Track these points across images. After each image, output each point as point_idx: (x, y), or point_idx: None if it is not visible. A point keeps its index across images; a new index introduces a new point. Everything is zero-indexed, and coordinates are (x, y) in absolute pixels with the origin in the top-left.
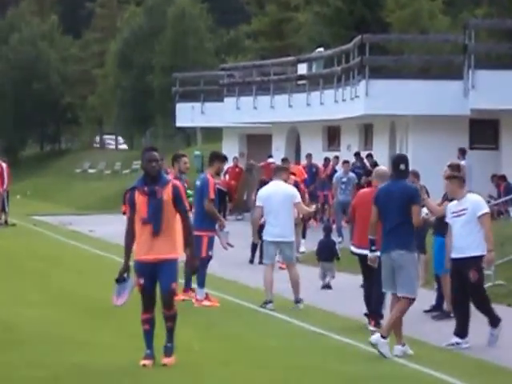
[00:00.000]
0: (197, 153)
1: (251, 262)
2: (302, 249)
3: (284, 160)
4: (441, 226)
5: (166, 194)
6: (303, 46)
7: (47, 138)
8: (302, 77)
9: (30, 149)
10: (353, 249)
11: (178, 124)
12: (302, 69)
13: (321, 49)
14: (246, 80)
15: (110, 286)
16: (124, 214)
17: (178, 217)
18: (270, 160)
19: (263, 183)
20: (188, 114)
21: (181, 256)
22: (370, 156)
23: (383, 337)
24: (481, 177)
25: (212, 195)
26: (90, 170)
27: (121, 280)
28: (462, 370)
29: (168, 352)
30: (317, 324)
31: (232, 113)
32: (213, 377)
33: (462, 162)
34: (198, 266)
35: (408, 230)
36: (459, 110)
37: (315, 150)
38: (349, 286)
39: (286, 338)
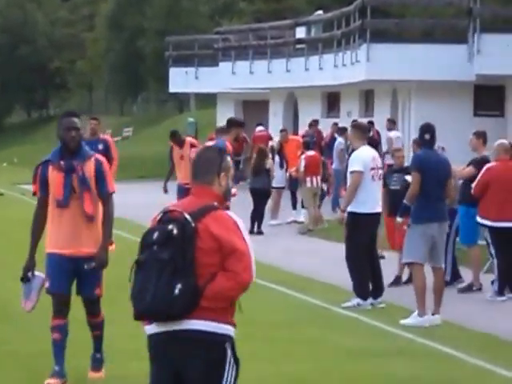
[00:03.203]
0: (190, 119)
1: (251, 232)
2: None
3: (282, 131)
4: (466, 193)
5: (88, 171)
6: (301, 8)
7: (35, 104)
8: (300, 41)
9: (17, 115)
10: (490, 223)
11: (171, 89)
12: (301, 32)
13: (320, 11)
14: (242, 44)
15: None
16: (34, 194)
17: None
18: (259, 128)
19: (260, 152)
20: (181, 79)
21: None
22: (392, 122)
23: None
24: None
25: None
26: None
27: (27, 279)
28: (469, 345)
29: (96, 364)
30: (317, 297)
31: (227, 78)
32: None
33: (391, 134)
34: (107, 263)
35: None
36: (464, 76)
37: (314, 117)
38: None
39: (286, 311)
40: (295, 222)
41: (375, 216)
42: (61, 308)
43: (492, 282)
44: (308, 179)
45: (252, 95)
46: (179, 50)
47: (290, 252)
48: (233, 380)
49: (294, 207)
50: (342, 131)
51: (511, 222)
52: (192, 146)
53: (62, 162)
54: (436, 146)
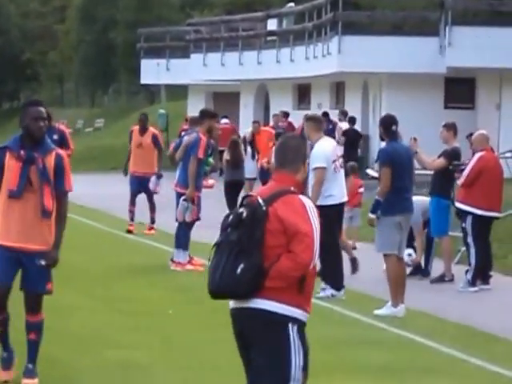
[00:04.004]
0: (161, 111)
1: None
2: None
3: (255, 122)
4: (437, 184)
5: (49, 164)
6: (273, 0)
7: (6, 95)
8: (271, 33)
9: None
10: (480, 212)
11: (143, 81)
12: (272, 24)
13: (291, 4)
14: (214, 36)
15: (76, 246)
16: None
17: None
18: (224, 121)
19: (234, 143)
20: (153, 71)
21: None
22: (343, 113)
23: None
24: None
25: (200, 154)
26: None
27: None
28: (441, 334)
29: (29, 375)
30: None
31: (199, 70)
32: (187, 340)
33: (341, 124)
34: (56, 261)
35: None
36: (435, 68)
37: (285, 109)
38: None
39: None
40: None
41: (342, 206)
42: (1, 300)
43: (466, 272)
44: None
45: (223, 87)
46: (151, 42)
47: None
48: (301, 364)
49: None
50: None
51: (498, 211)
52: (154, 137)
53: (22, 152)
54: (409, 138)
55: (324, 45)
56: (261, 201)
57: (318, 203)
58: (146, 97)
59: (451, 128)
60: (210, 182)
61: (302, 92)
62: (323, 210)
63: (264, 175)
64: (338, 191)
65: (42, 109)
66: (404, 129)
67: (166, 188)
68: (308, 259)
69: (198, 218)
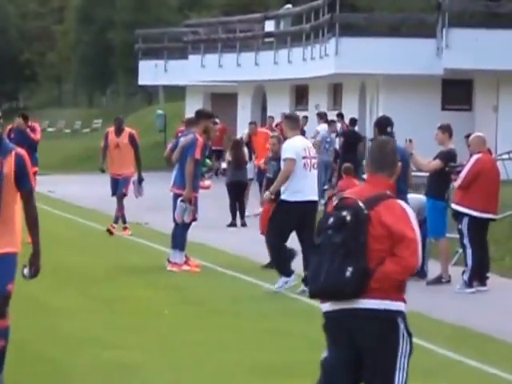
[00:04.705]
0: (159, 112)
1: (233, 225)
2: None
3: (251, 123)
4: (433, 186)
5: (7, 167)
6: (270, 2)
7: (4, 95)
8: (269, 34)
9: None
10: (476, 213)
11: (141, 82)
12: (270, 26)
13: (289, 5)
14: (212, 37)
15: (72, 247)
16: None
17: (18, 198)
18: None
19: (237, 144)
20: (151, 72)
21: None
22: (340, 116)
23: None
24: (454, 138)
25: (197, 155)
26: (49, 129)
27: None
28: (437, 335)
29: None
30: (290, 288)
31: (196, 71)
32: (182, 341)
33: (318, 127)
34: (39, 271)
35: None
36: (432, 70)
37: (282, 110)
38: None
39: (256, 302)
40: None
41: (308, 204)
42: None
43: (463, 273)
44: None
45: (221, 88)
46: (148, 43)
47: (259, 243)
48: (408, 352)
49: None
50: (330, 123)
51: (494, 213)
52: (131, 136)
53: None
54: (404, 139)
55: (321, 46)
56: (361, 204)
57: (284, 197)
58: (144, 98)
59: (446, 130)
60: (207, 182)
61: (300, 93)
62: (287, 205)
63: (261, 176)
64: (306, 188)
65: None
66: (401, 130)
67: (161, 188)
68: (415, 264)
69: (195, 219)
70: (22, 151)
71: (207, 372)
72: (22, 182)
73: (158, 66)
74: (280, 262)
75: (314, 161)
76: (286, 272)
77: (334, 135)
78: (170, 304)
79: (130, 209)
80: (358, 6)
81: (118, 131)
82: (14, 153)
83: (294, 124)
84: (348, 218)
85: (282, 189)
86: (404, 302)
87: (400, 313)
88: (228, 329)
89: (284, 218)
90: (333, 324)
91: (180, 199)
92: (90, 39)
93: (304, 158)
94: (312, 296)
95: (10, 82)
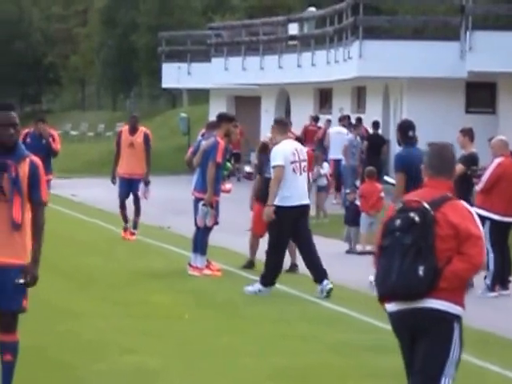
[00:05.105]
0: (183, 115)
1: None
2: None
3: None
4: (456, 191)
5: (22, 172)
6: (294, 5)
7: (28, 98)
8: (292, 37)
9: None
10: (498, 217)
11: (164, 85)
12: (293, 29)
13: (312, 8)
14: (235, 40)
15: (93, 250)
16: None
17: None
18: None
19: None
20: (174, 75)
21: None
22: (359, 120)
23: None
24: (477, 141)
25: (219, 159)
26: (72, 132)
27: None
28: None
29: None
30: (308, 292)
31: (220, 74)
32: (202, 346)
33: (330, 130)
34: (36, 279)
35: None
36: (455, 73)
37: (306, 113)
38: (337, 252)
39: (277, 306)
40: None
41: (300, 208)
42: None
43: (485, 277)
44: None
45: (244, 91)
46: (172, 46)
47: None
48: (456, 360)
49: None
50: (355, 127)
51: None
52: (145, 136)
53: None
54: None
55: (345, 49)
56: (427, 206)
57: (276, 203)
58: (168, 100)
59: (467, 133)
60: (228, 186)
61: (324, 96)
62: (279, 211)
63: None
64: (295, 193)
65: (12, 113)
66: (425, 134)
67: (185, 192)
68: (482, 260)
69: (217, 223)
70: (37, 160)
71: (226, 377)
72: (33, 191)
73: (182, 68)
74: (271, 270)
75: (303, 164)
76: (268, 282)
77: (359, 139)
78: (190, 308)
79: (153, 212)
80: (382, 9)
81: (133, 130)
82: (28, 160)
83: (284, 128)
84: (417, 219)
85: None
86: (463, 306)
87: (458, 317)
88: (248, 333)
89: (278, 224)
90: (398, 323)
91: (202, 203)
92: (113, 42)
93: (293, 162)
94: (381, 297)
95: (33, 85)
